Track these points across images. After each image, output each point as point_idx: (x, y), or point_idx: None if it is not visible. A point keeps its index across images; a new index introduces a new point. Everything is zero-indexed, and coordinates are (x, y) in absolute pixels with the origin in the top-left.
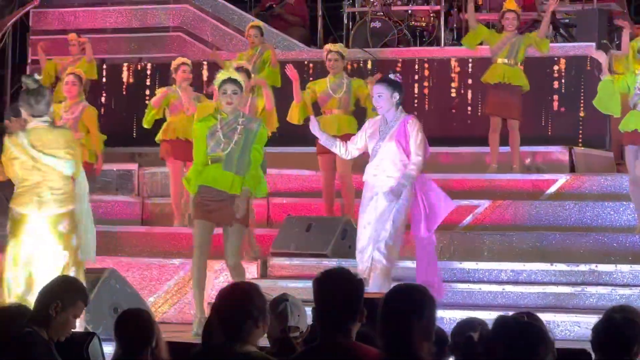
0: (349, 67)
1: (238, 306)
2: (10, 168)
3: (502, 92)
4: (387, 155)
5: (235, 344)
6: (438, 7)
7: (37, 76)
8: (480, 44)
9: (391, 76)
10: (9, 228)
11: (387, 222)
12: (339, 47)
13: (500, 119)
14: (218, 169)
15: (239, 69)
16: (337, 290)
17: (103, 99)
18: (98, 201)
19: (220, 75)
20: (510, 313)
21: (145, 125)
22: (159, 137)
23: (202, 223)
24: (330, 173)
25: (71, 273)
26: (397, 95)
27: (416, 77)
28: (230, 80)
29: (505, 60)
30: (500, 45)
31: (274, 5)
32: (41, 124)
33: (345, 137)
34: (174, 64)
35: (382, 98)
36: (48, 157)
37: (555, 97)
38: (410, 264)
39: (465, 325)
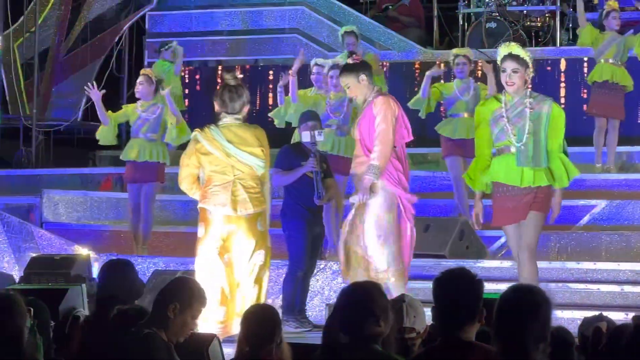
0: None
1: (361, 305)
2: (189, 161)
3: (607, 92)
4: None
5: (359, 344)
6: (554, 7)
7: (239, 75)
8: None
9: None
10: (202, 229)
11: (361, 238)
12: (466, 51)
13: (605, 119)
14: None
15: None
16: (457, 290)
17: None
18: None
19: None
20: (631, 314)
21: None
22: None
23: None
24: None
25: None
26: (363, 77)
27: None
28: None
29: (612, 60)
30: (605, 45)
31: (390, 7)
32: (235, 121)
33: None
34: None
35: (351, 88)
36: (245, 154)
37: None
38: None
39: (592, 319)
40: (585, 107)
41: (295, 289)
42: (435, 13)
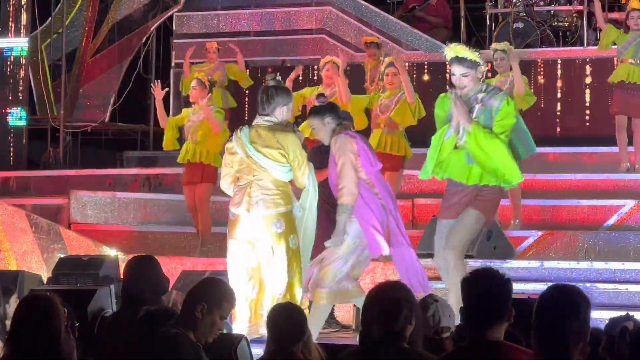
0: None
1: (392, 303)
2: (225, 160)
3: (627, 92)
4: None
5: (392, 342)
6: (581, 7)
7: (278, 76)
8: (614, 44)
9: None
10: (228, 229)
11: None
12: (504, 45)
13: (625, 117)
14: None
15: None
16: (486, 289)
17: (246, 101)
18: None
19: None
20: None
21: None
22: None
23: None
24: None
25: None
26: (329, 119)
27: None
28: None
29: (632, 60)
30: (625, 45)
31: (417, 7)
32: (264, 122)
33: None
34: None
35: (316, 130)
36: (262, 156)
37: None
38: None
39: (619, 319)
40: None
41: None
42: (463, 13)
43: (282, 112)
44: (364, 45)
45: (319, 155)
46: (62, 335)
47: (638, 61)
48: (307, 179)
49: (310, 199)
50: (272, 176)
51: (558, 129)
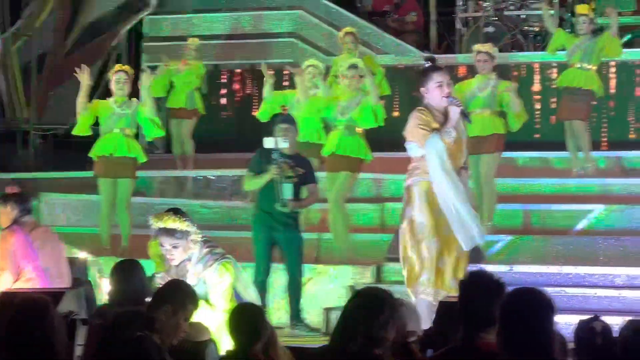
0: (465, 72)
1: (372, 310)
2: None
3: (572, 96)
4: None
5: (371, 349)
6: (551, 12)
7: None
8: (563, 49)
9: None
10: None
11: None
12: (488, 47)
13: (570, 122)
14: None
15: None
16: (479, 293)
17: (219, 105)
18: (214, 207)
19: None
20: (627, 318)
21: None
22: None
23: None
24: None
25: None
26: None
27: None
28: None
29: (578, 65)
30: (573, 49)
31: (389, 12)
32: None
33: (490, 138)
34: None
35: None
36: None
37: None
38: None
39: (587, 321)
40: None
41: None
42: (433, 17)
43: None
44: (341, 38)
45: (259, 160)
46: (57, 337)
47: (585, 66)
48: None
49: None
50: None
51: (533, 134)
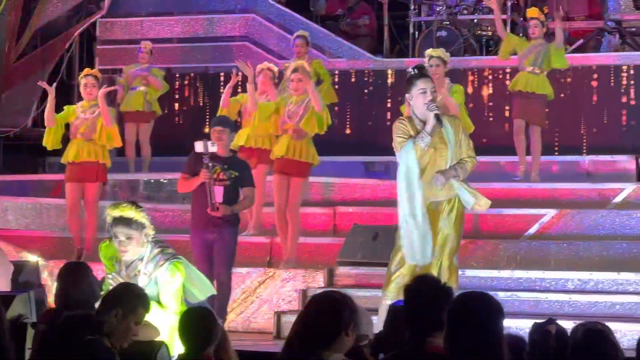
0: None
1: (332, 315)
2: None
3: (525, 100)
4: None
5: (325, 353)
6: (504, 16)
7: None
8: (515, 53)
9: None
10: None
11: None
12: (440, 52)
13: (524, 122)
14: None
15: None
16: (427, 296)
17: (173, 109)
18: (165, 210)
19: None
20: (578, 322)
21: None
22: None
23: None
24: None
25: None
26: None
27: (482, 85)
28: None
29: (530, 69)
30: (525, 54)
31: (342, 16)
32: None
33: None
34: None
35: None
36: None
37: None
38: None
39: (542, 324)
40: None
41: None
42: (386, 21)
43: None
44: (292, 41)
45: (193, 162)
46: (7, 338)
47: (537, 70)
48: None
49: None
50: None
51: (484, 139)
